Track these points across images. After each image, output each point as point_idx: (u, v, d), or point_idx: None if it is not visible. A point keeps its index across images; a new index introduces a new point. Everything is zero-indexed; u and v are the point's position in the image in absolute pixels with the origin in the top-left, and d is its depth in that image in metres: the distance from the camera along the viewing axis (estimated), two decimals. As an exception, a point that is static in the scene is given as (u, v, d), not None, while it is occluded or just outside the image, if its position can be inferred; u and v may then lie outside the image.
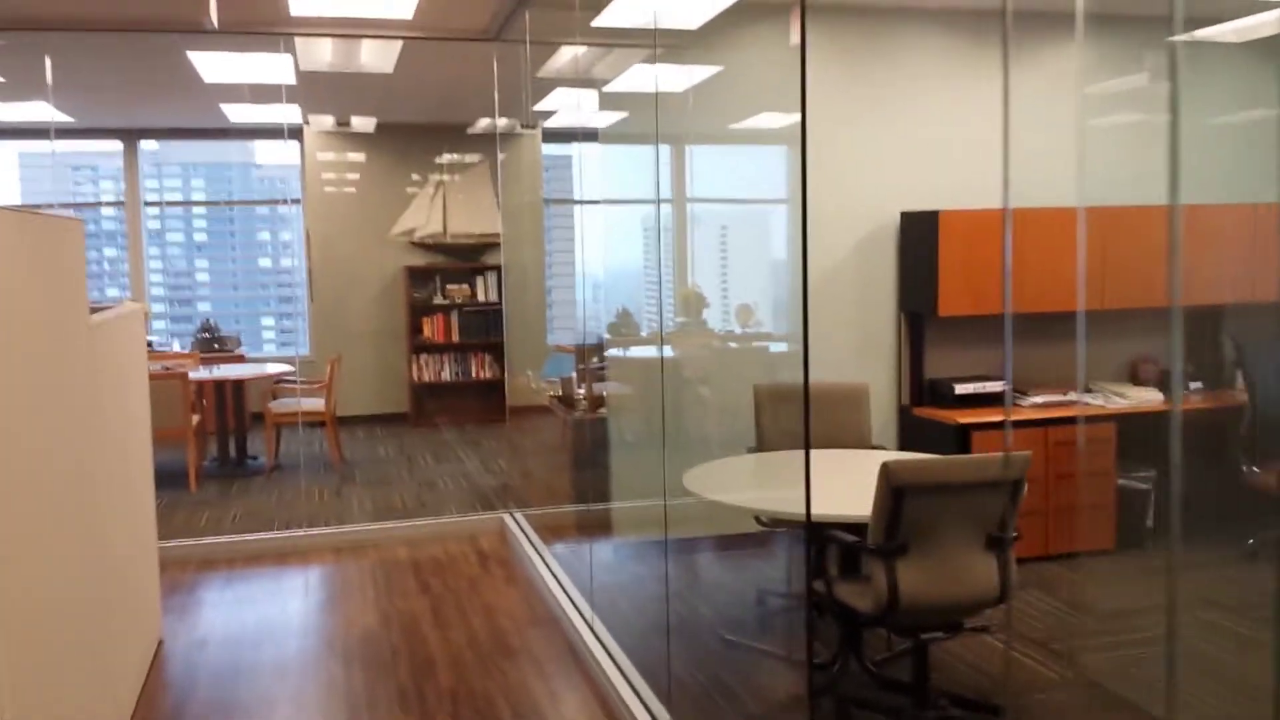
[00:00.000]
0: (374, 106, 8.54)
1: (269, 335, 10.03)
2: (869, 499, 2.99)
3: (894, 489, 2.88)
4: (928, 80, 5.38)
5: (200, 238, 10.01)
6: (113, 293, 9.60)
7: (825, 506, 3.22)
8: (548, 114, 8.72)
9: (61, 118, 8.27)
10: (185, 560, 5.30)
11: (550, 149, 9.58)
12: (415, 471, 7.43)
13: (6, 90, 7.21)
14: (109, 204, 9.39)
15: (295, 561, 5.31)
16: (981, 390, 5.06)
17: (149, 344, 8.91)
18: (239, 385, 7.62)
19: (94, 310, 3.77)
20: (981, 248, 4.95)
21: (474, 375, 9.49)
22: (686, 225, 7.28)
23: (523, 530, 5.45)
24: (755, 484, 3.70)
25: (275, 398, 7.72)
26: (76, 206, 9.43)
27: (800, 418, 4.30)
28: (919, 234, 5.13)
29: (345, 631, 4.29)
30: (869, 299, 5.36)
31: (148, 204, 9.44)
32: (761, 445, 4.20)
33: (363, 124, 9.14)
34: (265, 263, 10.18)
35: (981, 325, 5.28)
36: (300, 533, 5.52)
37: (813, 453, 4.07)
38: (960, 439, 4.82)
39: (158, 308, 9.90)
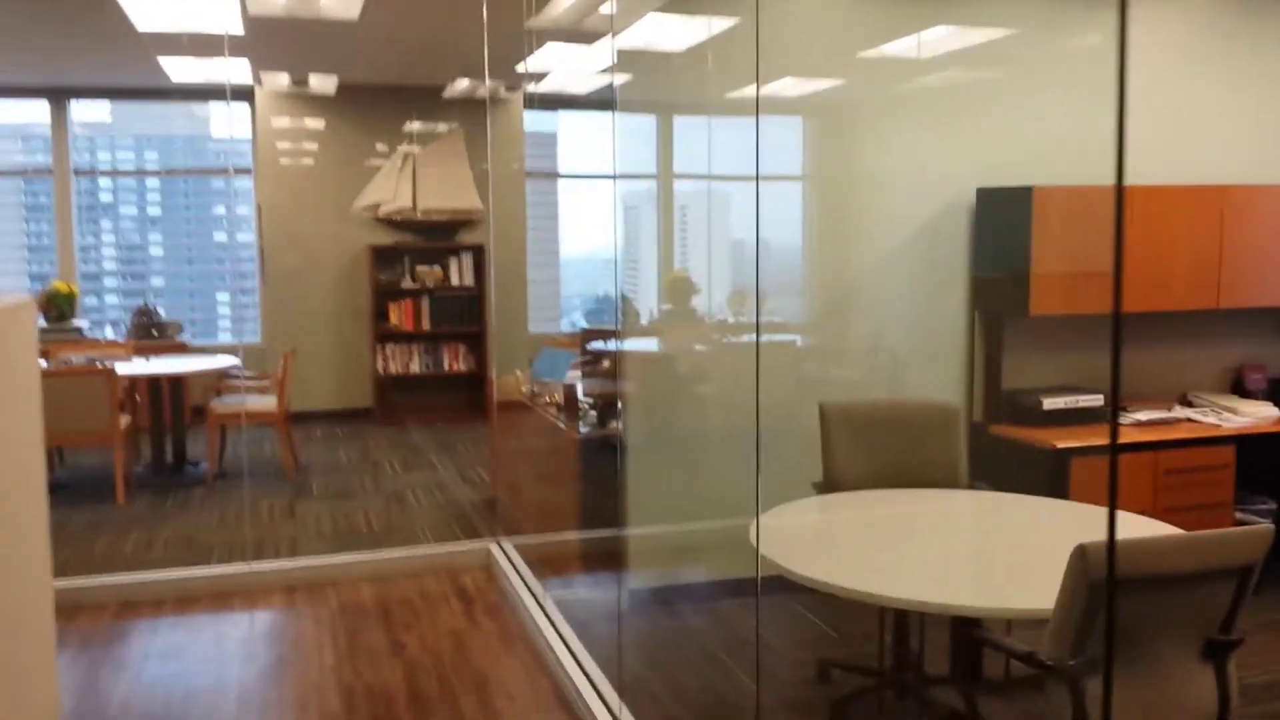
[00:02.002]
0: (335, 63, 7.51)
1: (225, 316, 8.99)
2: (999, 572, 2.12)
3: (1093, 584, 2.00)
4: (1011, 24, 4.50)
5: (154, 211, 8.94)
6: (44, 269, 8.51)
7: (956, 591, 2.35)
8: (535, 76, 7.74)
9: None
10: (102, 603, 4.32)
11: (534, 116, 8.60)
12: (382, 481, 6.47)
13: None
14: (35, 172, 8.29)
15: (238, 604, 4.35)
16: (1074, 405, 4.20)
17: (77, 331, 7.86)
18: (177, 380, 6.60)
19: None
20: (1083, 233, 4.08)
21: (447, 368, 8.52)
22: (673, 204, 6.42)
23: (514, 565, 4.53)
24: (852, 550, 2.81)
25: (219, 394, 6.71)
26: (-7, 172, 8.32)
27: (887, 450, 3.42)
28: (1003, 215, 4.25)
29: (299, 718, 3.35)
30: (932, 293, 4.48)
31: (78, 173, 8.34)
32: (832, 481, 3.30)
33: (322, 84, 8.10)
34: (221, 238, 9.14)
35: (1071, 326, 4.42)
36: (245, 567, 4.56)
37: (899, 495, 3.19)
38: (1055, 467, 3.96)
39: (109, 283, 8.84)
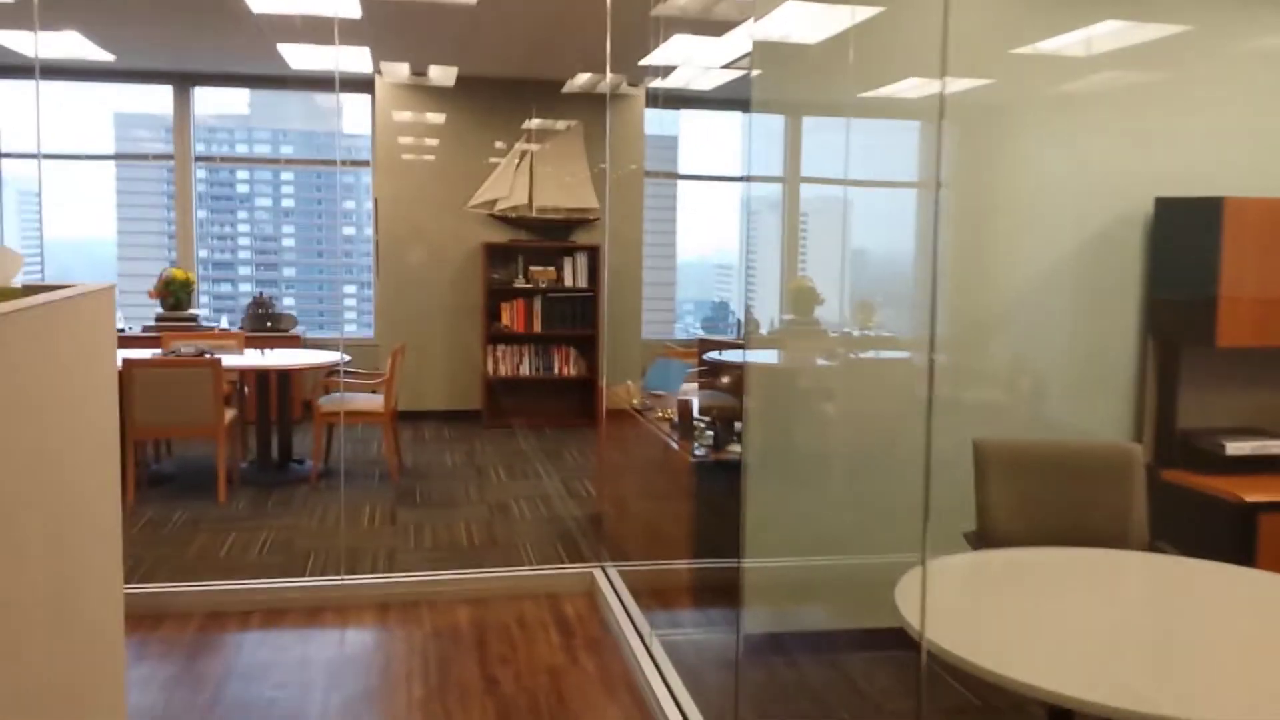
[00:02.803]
0: (455, 53, 7.32)
1: (349, 309, 8.90)
2: (1197, 669, 1.67)
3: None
4: (1185, 20, 3.96)
5: (288, 203, 8.93)
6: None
7: (1145, 692, 1.90)
8: (660, 71, 7.41)
9: (100, 54, 7.19)
10: (190, 611, 4.14)
11: (656, 113, 8.27)
12: (486, 489, 6.23)
13: (22, 12, 6.13)
14: (158, 156, 8.34)
15: (329, 620, 4.12)
16: (1264, 451, 3.65)
17: (193, 319, 7.85)
18: (285, 374, 6.48)
19: (32, 290, 2.60)
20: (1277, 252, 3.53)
21: (557, 371, 8.26)
22: (798, 209, 5.99)
23: (619, 594, 4.19)
24: (1014, 625, 2.38)
25: (327, 391, 6.57)
26: (120, 159, 8.40)
27: (1053, 498, 2.96)
28: (1187, 229, 3.72)
29: (379, 755, 3.08)
30: (1094, 314, 3.97)
31: (199, 159, 8.36)
32: (987, 533, 2.87)
33: (442, 76, 7.93)
34: (350, 231, 9.08)
35: (1264, 361, 3.87)
36: (338, 580, 4.33)
37: (1068, 557, 2.73)
38: (1239, 524, 3.43)
39: (243, 272, 8.85)
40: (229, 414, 5.95)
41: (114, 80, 8.03)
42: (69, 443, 2.47)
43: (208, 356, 6.06)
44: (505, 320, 8.12)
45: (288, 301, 8.95)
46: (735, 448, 4.11)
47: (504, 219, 8.23)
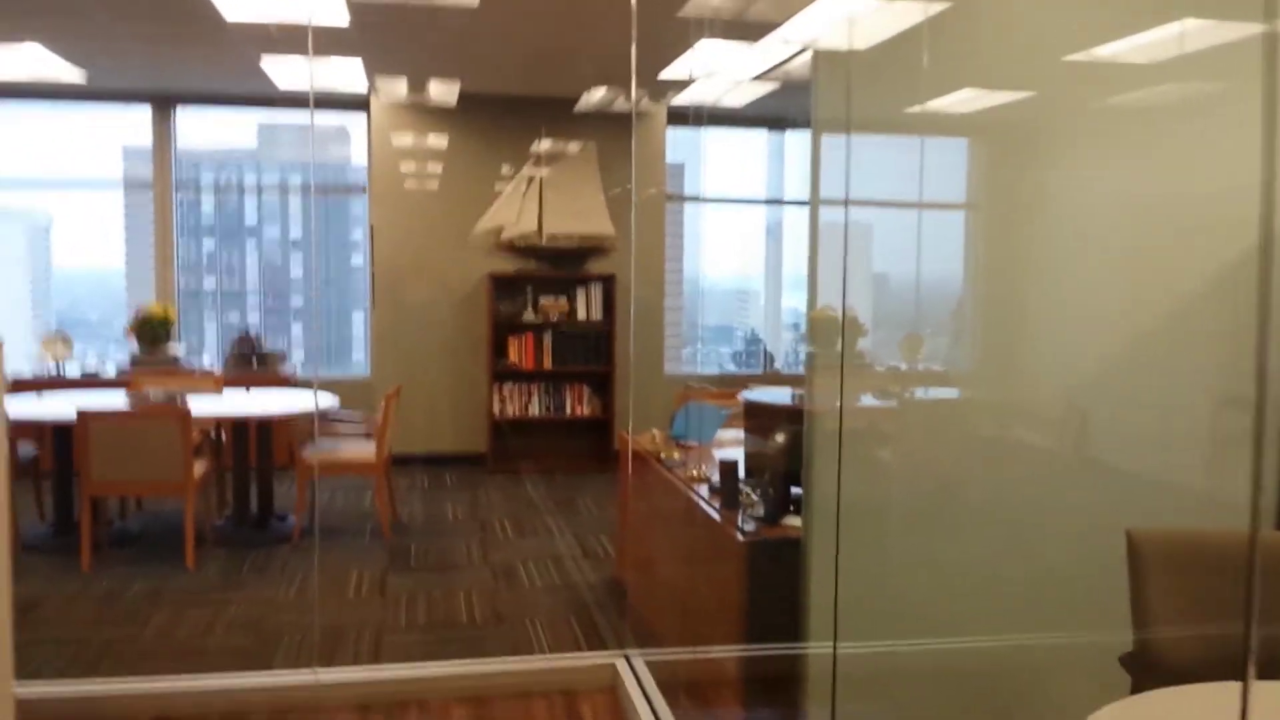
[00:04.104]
0: (456, 66, 6.69)
1: (360, 343, 8.23)
2: None
3: None
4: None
5: (295, 234, 8.30)
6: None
7: None
8: (681, 85, 6.78)
9: (69, 72, 6.57)
10: (132, 715, 3.44)
11: (677, 132, 7.64)
12: (490, 547, 5.52)
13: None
14: (134, 184, 7.71)
15: (298, 725, 3.42)
16: None
17: (172, 360, 7.19)
18: (266, 422, 5.80)
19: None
20: None
21: (569, 412, 7.57)
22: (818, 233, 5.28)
23: (647, 695, 3.48)
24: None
25: (312, 439, 5.88)
26: (85, 187, 7.77)
27: (1233, 610, 2.26)
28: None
29: None
30: (1226, 367, 3.27)
31: (180, 187, 7.73)
32: (1151, 655, 2.15)
33: (442, 93, 7.30)
34: (358, 261, 8.45)
35: None
36: (309, 676, 3.62)
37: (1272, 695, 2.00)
38: None
39: (251, 301, 8.20)
40: (200, 467, 5.26)
41: (87, 100, 7.42)
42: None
43: (177, 404, 5.39)
44: (513, 356, 7.44)
45: (295, 330, 8.30)
46: (794, 520, 3.40)
47: (511, 248, 7.58)
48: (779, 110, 7.56)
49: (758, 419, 4.23)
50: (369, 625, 4.31)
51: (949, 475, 3.30)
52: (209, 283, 8.15)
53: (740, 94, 7.16)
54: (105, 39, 5.90)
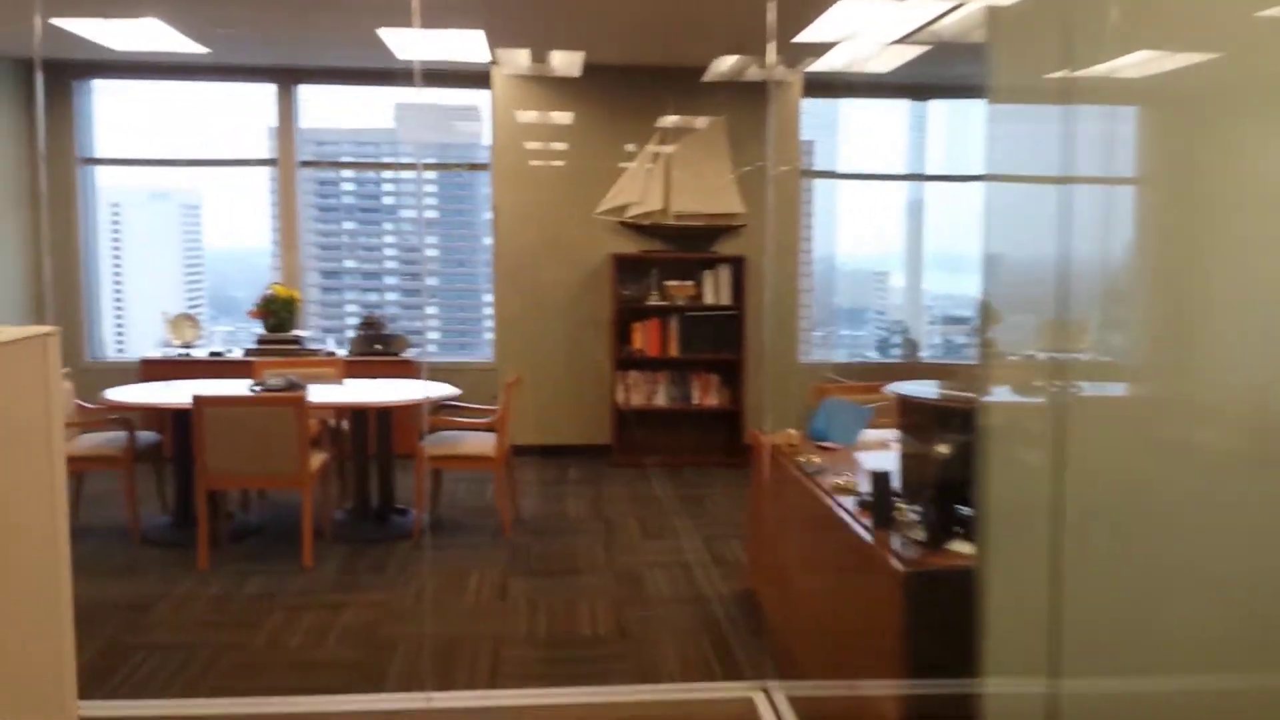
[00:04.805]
0: (579, 36, 6.33)
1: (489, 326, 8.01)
2: None
3: None
4: None
5: (431, 214, 8.12)
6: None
7: None
8: (819, 50, 6.28)
9: (192, 47, 6.47)
10: (238, 735, 3.23)
11: (810, 104, 7.14)
12: (615, 549, 5.20)
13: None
14: (257, 162, 7.62)
15: (409, 754, 3.15)
16: None
17: (296, 342, 7.09)
18: (385, 410, 5.60)
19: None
20: None
21: (695, 402, 7.20)
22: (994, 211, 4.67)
23: (792, 737, 3.09)
24: None
25: (433, 430, 5.66)
26: (216, 164, 7.71)
27: None
28: None
29: None
30: None
31: (304, 164, 7.62)
32: None
33: (566, 64, 6.96)
34: (489, 241, 8.25)
35: None
36: (422, 701, 3.35)
37: None
38: None
39: (389, 281, 8.05)
40: (318, 459, 5.09)
41: (211, 78, 7.34)
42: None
43: (295, 391, 5.22)
44: (638, 343, 7.10)
45: (430, 312, 8.12)
46: (963, 547, 2.95)
47: (636, 227, 7.22)
48: (927, 76, 6.99)
49: (914, 419, 3.75)
50: (487, 637, 4.04)
51: (1149, 482, 2.80)
52: (342, 264, 8.04)
53: (883, 59, 6.63)
54: (223, 10, 5.75)
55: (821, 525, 3.63)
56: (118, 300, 7.86)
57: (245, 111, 7.61)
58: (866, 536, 3.20)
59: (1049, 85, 2.78)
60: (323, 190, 7.87)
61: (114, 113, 7.55)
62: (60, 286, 7.32)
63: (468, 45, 6.38)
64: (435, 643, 3.95)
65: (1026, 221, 2.72)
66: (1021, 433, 2.63)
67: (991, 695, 2.73)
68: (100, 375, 7.03)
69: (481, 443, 5.45)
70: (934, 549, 2.98)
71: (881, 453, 4.23)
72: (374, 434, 5.60)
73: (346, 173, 7.93)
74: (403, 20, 5.72)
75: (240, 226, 8.06)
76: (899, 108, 7.62)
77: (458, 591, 4.56)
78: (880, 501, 3.24)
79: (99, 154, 7.47)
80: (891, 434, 4.58)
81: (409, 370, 7.08)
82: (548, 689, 3.44)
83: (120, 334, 7.90)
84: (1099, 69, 2.59)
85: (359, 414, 5.58)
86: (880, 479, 3.26)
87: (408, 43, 6.27)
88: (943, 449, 3.14)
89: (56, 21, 5.71)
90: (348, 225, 8.02)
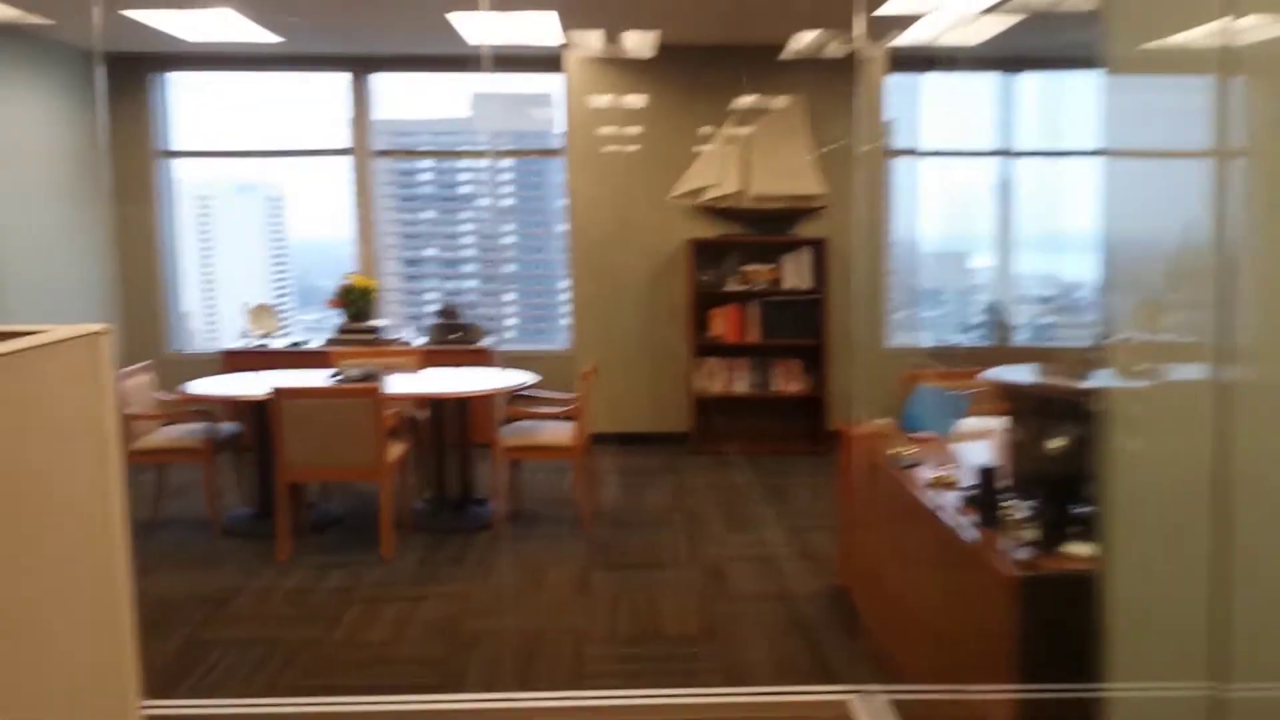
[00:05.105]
0: (654, 15, 6.16)
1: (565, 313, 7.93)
2: None
3: None
4: None
5: (507, 202, 8.05)
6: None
7: None
8: (902, 24, 6.03)
9: (265, 36, 6.46)
10: (318, 735, 3.16)
11: (899, 79, 6.87)
12: (697, 542, 5.06)
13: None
14: (332, 152, 7.60)
15: (492, 757, 3.05)
16: None
17: (372, 332, 7.06)
18: (462, 400, 5.52)
19: None
20: None
21: (776, 388, 7.00)
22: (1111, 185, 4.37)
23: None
24: None
25: (510, 419, 5.57)
26: (293, 155, 7.71)
27: None
28: None
29: None
30: None
31: (378, 153, 7.58)
32: None
33: (640, 45, 6.80)
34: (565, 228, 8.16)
35: None
36: (504, 700, 3.25)
37: None
38: None
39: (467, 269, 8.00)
40: (396, 449, 5.03)
41: (286, 68, 7.34)
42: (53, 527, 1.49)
43: (373, 381, 5.17)
44: (716, 329, 6.93)
45: (508, 297, 8.05)
46: (1079, 548, 2.74)
47: (713, 210, 7.04)
48: (1020, 48, 6.68)
49: (1019, 407, 3.51)
50: (569, 633, 3.92)
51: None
52: (421, 253, 8.01)
53: (973, 30, 6.34)
54: (312, 7, 5.71)
55: (919, 523, 3.43)
56: (208, 292, 7.94)
57: (323, 101, 7.58)
58: (971, 536, 3.00)
59: (1184, 52, 2.54)
60: (404, 180, 7.85)
61: (193, 106, 7.59)
62: (140, 279, 7.40)
63: (540, 28, 6.26)
64: (516, 639, 3.85)
65: (1159, 198, 2.49)
66: (1158, 421, 2.41)
67: (1119, 700, 2.54)
68: (183, 367, 7.09)
69: (559, 432, 5.34)
70: (1047, 550, 2.77)
71: (981, 444, 4.01)
72: (451, 424, 5.53)
73: (426, 162, 7.88)
74: (473, 4, 5.62)
75: (323, 217, 8.05)
76: (988, 81, 7.31)
77: (538, 585, 4.45)
78: (986, 499, 3.04)
79: (177, 147, 7.52)
80: (991, 423, 4.36)
81: (486, 359, 7.00)
82: (631, 691, 3.31)
83: (212, 325, 7.97)
84: (1241, 32, 2.35)
85: (436, 404, 5.51)
86: (986, 475, 3.06)
87: (479, 27, 6.17)
88: (1056, 442, 2.92)
89: (129, 14, 5.72)
90: (427, 214, 7.98)
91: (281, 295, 8.10)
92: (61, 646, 1.72)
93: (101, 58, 7.09)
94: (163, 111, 7.45)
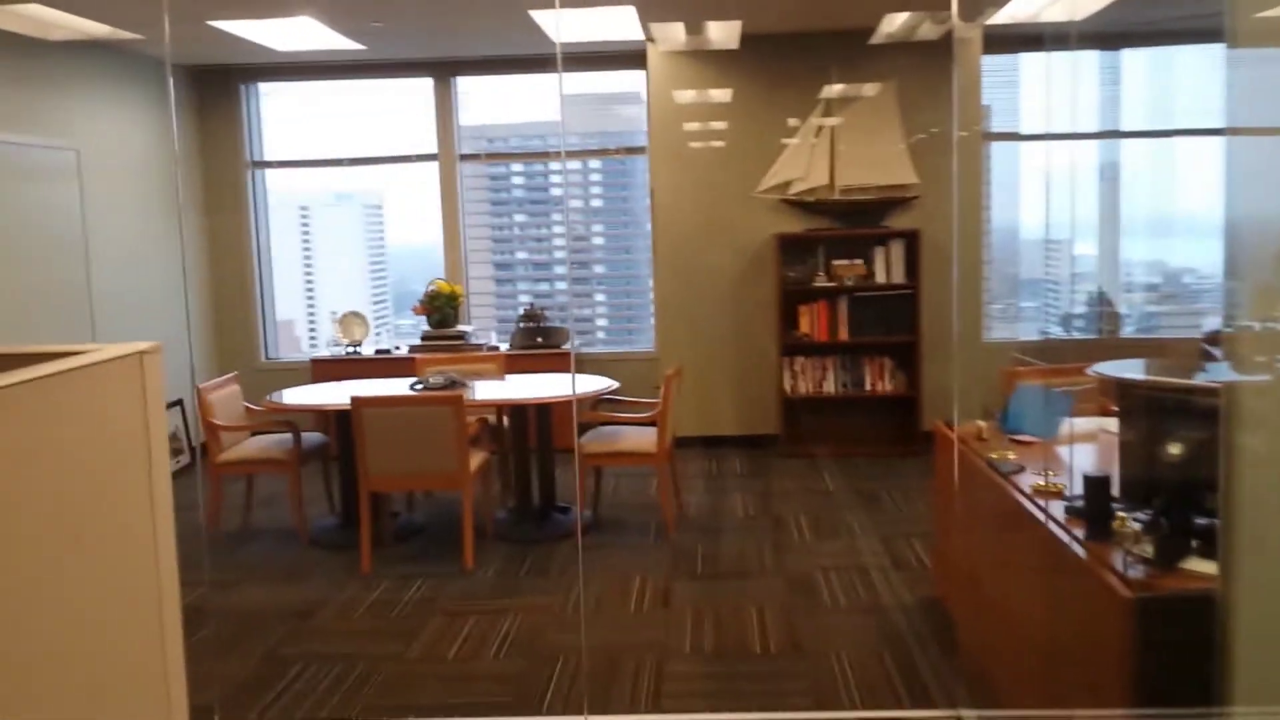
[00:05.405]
0: (736, 3, 5.96)
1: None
2: None
3: None
4: None
5: (596, 203, 7.99)
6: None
7: None
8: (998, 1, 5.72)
9: (348, 44, 6.47)
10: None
11: (996, 60, 6.56)
12: (784, 551, 4.87)
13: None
14: (419, 158, 7.60)
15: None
16: None
17: (459, 338, 7.04)
18: (545, 407, 5.42)
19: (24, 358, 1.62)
20: None
21: (868, 388, 6.75)
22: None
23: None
24: None
25: (592, 425, 5.46)
26: (381, 162, 7.72)
27: None
28: None
29: None
30: None
31: (464, 157, 7.56)
32: None
33: (724, 36, 6.62)
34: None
35: None
36: (581, 721, 3.13)
37: None
38: None
39: (558, 271, 7.97)
40: (477, 457, 4.96)
41: (371, 76, 7.36)
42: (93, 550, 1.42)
43: (455, 389, 5.11)
44: (804, 327, 6.71)
45: (598, 298, 7.98)
46: (1201, 565, 2.49)
47: (799, 204, 6.82)
48: (1126, 23, 6.30)
49: (1132, 407, 3.24)
50: (650, 648, 3.79)
51: None
52: (512, 256, 7.98)
53: (1074, 5, 5.99)
54: (395, 13, 5.69)
55: (1022, 533, 3.20)
56: (309, 300, 8.04)
57: (411, 108, 7.58)
58: (1079, 551, 2.77)
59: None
60: (496, 184, 7.84)
61: (282, 115, 7.68)
62: (233, 289, 7.51)
63: (619, 23, 6.13)
64: (596, 655, 3.72)
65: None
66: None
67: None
68: (275, 376, 7.18)
69: (642, 438, 5.20)
70: (1165, 567, 2.52)
71: (1089, 446, 3.75)
72: (533, 430, 5.44)
73: (517, 165, 7.84)
74: (549, 2, 5.52)
75: (419, 223, 8.08)
76: (1092, 59, 6.92)
77: (620, 597, 4.33)
78: (1096, 510, 2.80)
79: (267, 157, 7.61)
80: (1098, 423, 4.08)
81: (570, 363, 6.92)
82: (715, 715, 3.15)
83: (313, 333, 8.07)
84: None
85: (518, 410, 5.43)
86: (1096, 485, 2.82)
87: (561, 25, 6.08)
88: (1175, 447, 2.67)
89: (216, 24, 5.78)
90: (519, 218, 7.95)
91: (379, 302, 8.16)
92: (106, 667, 1.66)
93: (185, 68, 7.22)
94: (255, 121, 7.55)
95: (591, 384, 5.46)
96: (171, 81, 7.11)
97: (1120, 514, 2.76)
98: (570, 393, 5.36)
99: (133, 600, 1.74)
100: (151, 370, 1.80)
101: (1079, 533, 2.84)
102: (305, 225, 8.06)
